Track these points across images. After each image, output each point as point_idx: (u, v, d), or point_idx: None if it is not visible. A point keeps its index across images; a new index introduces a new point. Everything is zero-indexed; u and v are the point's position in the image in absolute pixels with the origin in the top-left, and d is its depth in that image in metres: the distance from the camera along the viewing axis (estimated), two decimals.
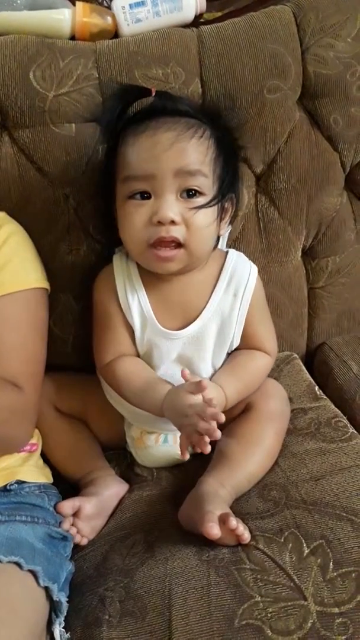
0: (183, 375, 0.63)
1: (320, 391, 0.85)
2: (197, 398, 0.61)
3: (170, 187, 0.65)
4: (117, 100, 0.70)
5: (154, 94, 0.69)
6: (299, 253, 0.90)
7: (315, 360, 0.95)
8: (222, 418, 0.59)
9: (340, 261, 0.91)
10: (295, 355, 0.93)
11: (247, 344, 0.75)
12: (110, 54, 0.77)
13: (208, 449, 0.60)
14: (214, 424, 0.59)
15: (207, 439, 0.59)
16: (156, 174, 0.65)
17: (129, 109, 0.70)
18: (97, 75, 0.76)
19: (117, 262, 0.74)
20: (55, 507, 0.69)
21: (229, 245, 0.83)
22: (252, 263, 0.76)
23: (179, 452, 0.75)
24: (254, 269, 0.75)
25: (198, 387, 0.61)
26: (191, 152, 0.65)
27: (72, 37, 0.81)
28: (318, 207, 0.86)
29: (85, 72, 0.76)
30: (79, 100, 0.76)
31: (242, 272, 0.74)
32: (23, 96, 0.75)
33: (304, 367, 0.90)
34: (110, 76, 0.76)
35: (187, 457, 0.64)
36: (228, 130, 0.71)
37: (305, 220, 0.87)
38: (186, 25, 0.82)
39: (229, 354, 0.76)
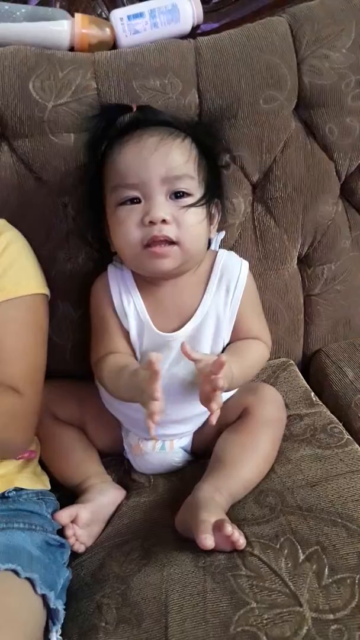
0: (183, 349, 0.63)
1: (316, 397, 0.85)
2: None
3: (160, 190, 0.67)
4: (100, 120, 0.72)
5: (135, 109, 0.72)
6: (295, 261, 0.90)
7: (311, 366, 0.95)
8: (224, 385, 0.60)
9: (335, 269, 0.91)
10: (292, 361, 0.93)
11: (243, 338, 0.75)
12: (108, 64, 0.78)
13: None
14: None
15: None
16: (145, 180, 0.67)
17: (113, 126, 0.72)
18: (95, 86, 0.77)
19: (111, 269, 0.76)
20: (52, 516, 0.69)
21: None
22: (242, 259, 0.77)
23: (176, 459, 0.76)
24: (245, 264, 0.76)
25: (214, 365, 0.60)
26: (176, 154, 0.68)
27: (71, 48, 0.82)
28: (314, 216, 0.87)
29: (83, 82, 0.77)
30: (78, 111, 0.77)
31: (232, 269, 0.75)
32: (22, 106, 0.75)
33: (299, 374, 0.91)
34: (108, 87, 0.77)
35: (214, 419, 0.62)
36: (209, 138, 0.73)
37: (301, 229, 0.87)
38: (183, 37, 0.83)
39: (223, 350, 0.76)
